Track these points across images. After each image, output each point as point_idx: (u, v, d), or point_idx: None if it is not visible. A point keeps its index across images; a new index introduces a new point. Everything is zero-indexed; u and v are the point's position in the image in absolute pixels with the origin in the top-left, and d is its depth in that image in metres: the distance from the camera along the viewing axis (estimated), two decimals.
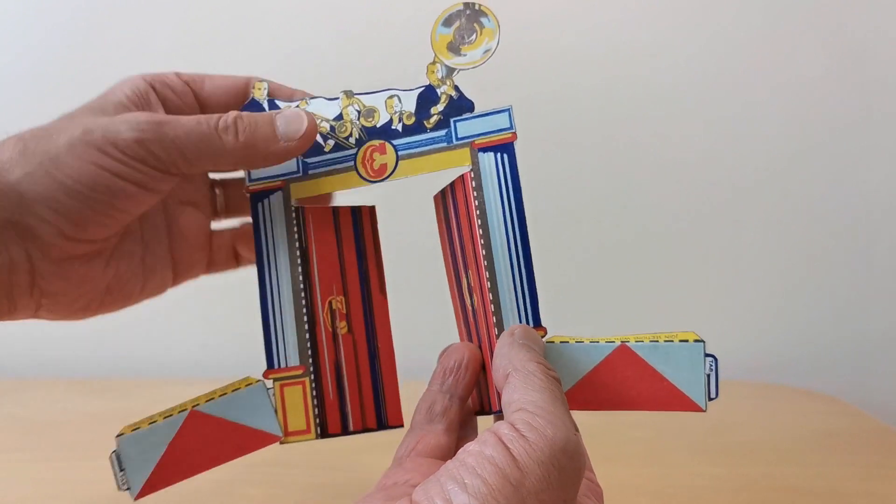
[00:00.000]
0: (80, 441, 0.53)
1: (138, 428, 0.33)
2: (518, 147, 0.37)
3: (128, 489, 0.32)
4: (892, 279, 0.77)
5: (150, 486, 0.32)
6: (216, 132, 0.30)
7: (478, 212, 0.33)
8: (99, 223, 0.30)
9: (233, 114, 0.31)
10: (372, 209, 0.36)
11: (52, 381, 0.73)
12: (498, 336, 0.32)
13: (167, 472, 0.33)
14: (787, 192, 0.78)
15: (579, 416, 0.27)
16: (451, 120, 0.34)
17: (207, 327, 0.80)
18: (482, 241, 0.33)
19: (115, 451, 0.33)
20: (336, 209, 0.35)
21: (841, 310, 0.78)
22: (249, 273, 0.83)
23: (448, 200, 0.35)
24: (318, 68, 0.78)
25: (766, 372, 0.77)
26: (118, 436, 0.32)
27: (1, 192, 0.28)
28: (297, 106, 0.35)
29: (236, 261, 0.39)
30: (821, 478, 0.44)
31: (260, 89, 0.35)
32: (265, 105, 0.35)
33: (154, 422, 0.33)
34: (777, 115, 0.77)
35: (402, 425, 0.34)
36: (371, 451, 0.41)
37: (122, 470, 0.33)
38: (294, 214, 0.35)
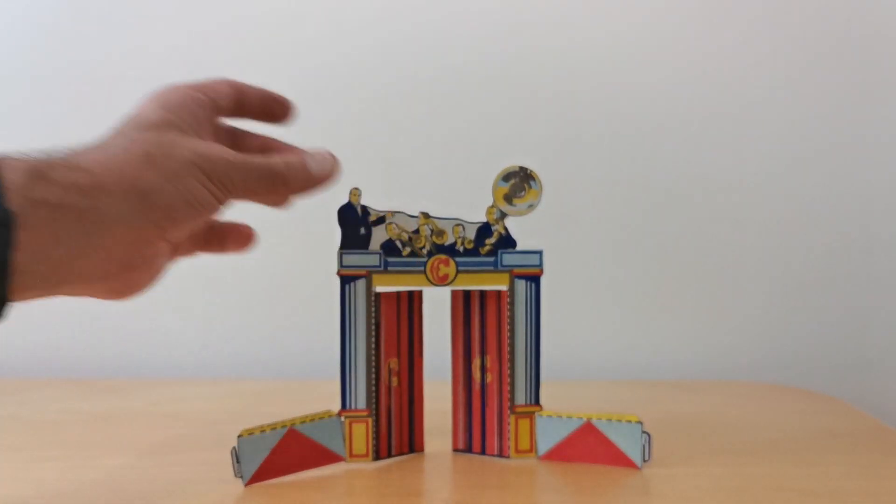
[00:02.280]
0: (80, 441, 0.53)
1: (253, 433, 0.43)
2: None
3: (240, 477, 0.43)
4: (893, 280, 0.77)
5: (256, 478, 0.43)
6: (269, 174, 0.39)
7: (509, 321, 0.47)
8: (189, 227, 0.38)
9: (280, 163, 0.40)
10: (420, 293, 0.49)
11: (52, 381, 0.73)
12: (510, 406, 0.47)
13: (269, 469, 0.44)
14: (788, 193, 0.78)
15: None
16: (499, 251, 0.47)
17: (207, 327, 0.80)
18: (509, 342, 0.47)
19: (234, 448, 0.43)
20: (399, 294, 0.48)
21: (841, 310, 0.78)
22: (249, 274, 0.83)
23: (473, 300, 0.49)
24: (316, 68, 0.78)
25: (766, 372, 0.77)
26: (239, 436, 0.43)
27: (141, 195, 0.34)
28: (384, 218, 0.46)
29: (201, 248, 0.45)
30: (821, 478, 0.44)
31: (356, 195, 0.46)
32: (359, 209, 0.46)
33: (264, 430, 0.44)
34: (781, 116, 0.77)
35: (423, 450, 0.49)
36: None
37: (238, 462, 0.43)
38: (373, 298, 0.46)
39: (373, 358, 0.47)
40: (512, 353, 0.47)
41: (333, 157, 0.42)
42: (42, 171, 0.32)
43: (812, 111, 0.77)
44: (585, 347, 0.79)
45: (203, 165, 0.37)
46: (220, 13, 0.78)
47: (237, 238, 0.45)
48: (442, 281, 0.47)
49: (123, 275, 0.36)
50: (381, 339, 0.47)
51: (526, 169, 0.47)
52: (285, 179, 0.40)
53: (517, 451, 0.48)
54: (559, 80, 0.77)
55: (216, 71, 0.77)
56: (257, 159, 0.39)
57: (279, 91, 0.45)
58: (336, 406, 0.47)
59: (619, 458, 0.46)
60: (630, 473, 0.45)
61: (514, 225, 0.47)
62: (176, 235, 0.38)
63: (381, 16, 0.78)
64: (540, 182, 0.47)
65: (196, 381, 0.73)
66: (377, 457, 0.47)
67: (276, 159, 0.40)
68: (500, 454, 0.48)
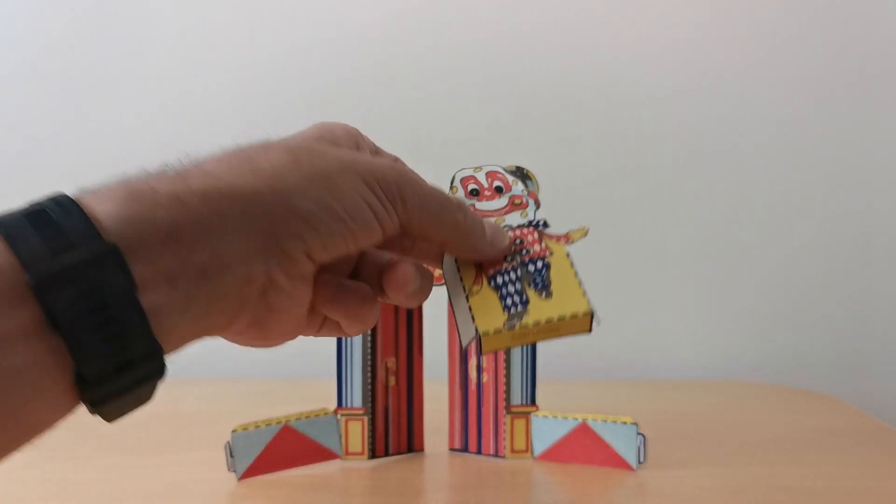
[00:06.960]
0: (80, 441, 0.53)
1: (247, 428, 0.44)
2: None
3: (233, 471, 0.43)
4: (892, 280, 0.77)
5: (249, 473, 0.44)
6: (453, 206, 0.32)
7: None
8: (339, 249, 0.29)
9: (459, 210, 0.33)
10: None
11: None
12: (506, 406, 0.48)
13: (262, 465, 0.44)
14: (788, 192, 0.78)
15: None
16: None
17: None
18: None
19: (228, 443, 0.43)
20: None
21: (841, 310, 0.78)
22: None
23: None
24: (314, 66, 0.78)
25: (767, 372, 0.77)
26: (233, 431, 0.43)
27: (276, 195, 0.27)
28: None
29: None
30: (821, 478, 0.44)
31: None
32: None
33: (258, 426, 0.44)
34: (781, 116, 0.77)
35: (423, 450, 0.49)
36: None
37: (232, 457, 0.43)
38: None
39: (369, 356, 0.47)
40: (508, 353, 0.48)
41: (509, 235, 0.36)
42: (141, 190, 0.25)
43: (813, 110, 0.77)
44: (584, 347, 0.79)
45: (363, 172, 0.29)
46: (223, 12, 0.78)
47: (396, 281, 0.34)
48: (438, 281, 0.46)
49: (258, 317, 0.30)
50: (378, 337, 0.48)
51: (523, 169, 0.47)
52: (467, 228, 0.33)
53: (513, 451, 0.48)
54: (558, 79, 0.77)
55: (217, 71, 0.77)
56: (434, 189, 0.32)
57: None
58: (333, 405, 0.47)
59: (614, 460, 0.46)
60: (626, 474, 0.45)
61: None
62: (329, 261, 0.29)
63: (381, 16, 0.78)
64: (537, 182, 0.47)
65: (196, 382, 0.73)
66: (373, 455, 0.48)
67: (453, 202, 0.33)
68: (496, 454, 0.48)
